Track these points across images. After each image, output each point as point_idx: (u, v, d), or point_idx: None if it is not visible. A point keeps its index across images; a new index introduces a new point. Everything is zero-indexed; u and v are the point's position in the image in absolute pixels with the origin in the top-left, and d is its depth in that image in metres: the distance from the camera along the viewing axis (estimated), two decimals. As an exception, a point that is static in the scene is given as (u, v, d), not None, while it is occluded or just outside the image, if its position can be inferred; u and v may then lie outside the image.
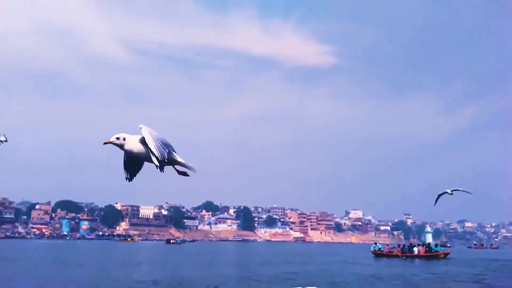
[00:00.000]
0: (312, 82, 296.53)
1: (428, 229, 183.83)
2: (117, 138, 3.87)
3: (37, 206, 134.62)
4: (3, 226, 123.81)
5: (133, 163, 4.23)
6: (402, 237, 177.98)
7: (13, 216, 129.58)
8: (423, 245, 42.91)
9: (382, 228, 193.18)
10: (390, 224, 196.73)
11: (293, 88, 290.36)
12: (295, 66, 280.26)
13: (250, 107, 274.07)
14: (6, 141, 6.32)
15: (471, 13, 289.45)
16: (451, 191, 23.42)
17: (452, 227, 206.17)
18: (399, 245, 42.35)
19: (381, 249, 40.98)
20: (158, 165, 3.62)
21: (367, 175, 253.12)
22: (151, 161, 3.77)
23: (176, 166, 4.17)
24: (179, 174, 4.21)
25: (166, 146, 3.83)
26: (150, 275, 19.96)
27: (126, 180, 4.27)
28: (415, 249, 39.17)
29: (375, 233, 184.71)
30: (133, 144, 3.87)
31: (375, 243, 44.55)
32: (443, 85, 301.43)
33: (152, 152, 3.64)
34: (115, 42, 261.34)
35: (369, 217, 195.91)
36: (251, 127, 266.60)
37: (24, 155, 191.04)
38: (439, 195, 24.51)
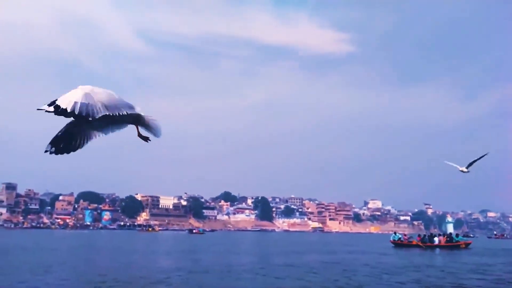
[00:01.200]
0: (327, 70, 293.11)
1: (449, 219, 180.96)
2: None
3: (60, 197, 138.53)
4: (29, 217, 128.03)
5: (72, 134, 4.07)
6: (422, 227, 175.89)
7: (38, 207, 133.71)
8: (444, 235, 42.34)
9: (401, 218, 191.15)
10: (410, 214, 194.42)
11: (308, 76, 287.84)
12: (311, 54, 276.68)
13: (265, 96, 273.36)
14: None
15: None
16: (467, 167, 21.52)
17: (474, 217, 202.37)
18: (419, 235, 41.90)
19: (401, 239, 40.66)
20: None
21: (385, 164, 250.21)
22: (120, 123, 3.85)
23: (140, 127, 4.12)
24: (139, 137, 4.16)
25: (112, 105, 3.55)
26: (197, 264, 20.50)
27: (48, 152, 4.04)
28: (436, 239, 38.66)
29: (395, 223, 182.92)
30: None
31: (395, 233, 44.17)
32: (461, 71, 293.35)
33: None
34: (131, 32, 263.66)
35: (388, 207, 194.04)
36: (267, 116, 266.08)
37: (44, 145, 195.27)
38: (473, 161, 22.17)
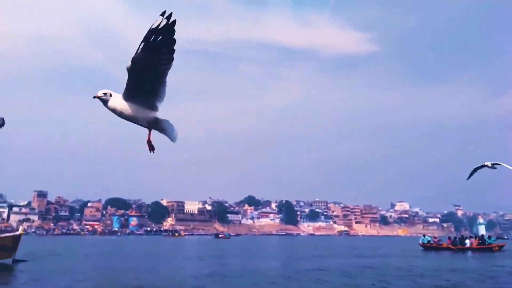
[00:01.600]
0: (349, 71, 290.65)
1: (481, 220, 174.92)
2: (104, 94, 3.79)
3: (89, 204, 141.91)
4: (59, 223, 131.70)
5: None
6: (452, 229, 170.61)
7: (68, 214, 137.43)
8: (475, 237, 40.83)
9: (430, 220, 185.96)
10: (439, 216, 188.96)
11: (329, 77, 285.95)
12: (332, 55, 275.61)
13: (287, 98, 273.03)
14: (2, 125, 5.85)
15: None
16: (492, 164, 19.09)
17: (507, 218, 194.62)
18: (449, 238, 40.58)
19: (430, 242, 39.48)
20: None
21: (411, 164, 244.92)
22: (132, 120, 3.79)
23: (155, 130, 4.03)
24: (148, 143, 4.05)
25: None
26: (229, 269, 20.57)
27: None
28: (467, 241, 37.41)
29: (423, 226, 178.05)
30: (118, 102, 3.79)
31: (424, 236, 42.93)
32: (488, 68, 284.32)
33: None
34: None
35: (416, 209, 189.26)
36: (289, 119, 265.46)
37: (77, 155, 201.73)
38: (476, 169, 20.06)
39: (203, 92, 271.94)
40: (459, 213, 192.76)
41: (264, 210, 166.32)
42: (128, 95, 3.75)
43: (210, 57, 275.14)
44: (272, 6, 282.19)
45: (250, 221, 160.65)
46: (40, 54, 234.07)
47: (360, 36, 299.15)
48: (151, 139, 4.06)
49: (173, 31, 3.45)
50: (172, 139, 4.04)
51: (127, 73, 3.54)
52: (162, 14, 3.34)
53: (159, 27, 3.35)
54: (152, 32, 3.34)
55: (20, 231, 21.20)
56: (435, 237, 43.02)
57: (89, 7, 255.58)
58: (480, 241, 37.83)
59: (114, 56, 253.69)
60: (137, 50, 3.39)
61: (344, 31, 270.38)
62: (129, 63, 3.48)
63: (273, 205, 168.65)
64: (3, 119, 5.61)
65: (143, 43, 3.37)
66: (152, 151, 4.11)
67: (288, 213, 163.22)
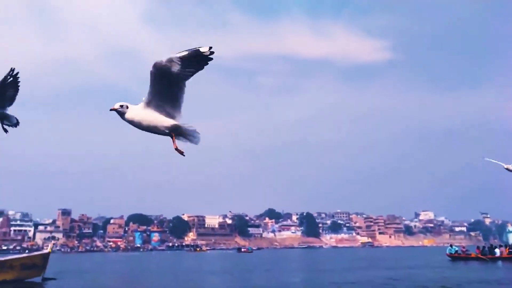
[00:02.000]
0: (367, 79, 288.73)
1: (510, 228, 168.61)
2: (121, 106, 3.87)
3: (111, 221, 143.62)
4: (83, 241, 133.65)
5: None
6: (480, 238, 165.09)
7: (91, 231, 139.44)
8: (505, 246, 39.43)
9: (457, 229, 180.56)
10: (465, 224, 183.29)
11: (348, 86, 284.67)
12: (350, 64, 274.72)
13: (306, 109, 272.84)
14: (17, 124, 5.74)
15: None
16: None
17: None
18: (477, 247, 39.31)
19: (458, 252, 38.35)
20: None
21: (435, 172, 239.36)
22: (152, 130, 3.87)
23: (178, 137, 4.07)
24: (176, 150, 4.08)
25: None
26: (258, 284, 20.70)
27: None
28: (497, 250, 36.14)
29: (450, 235, 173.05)
30: (135, 113, 3.87)
31: (451, 246, 41.72)
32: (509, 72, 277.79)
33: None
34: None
35: (442, 218, 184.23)
36: (308, 130, 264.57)
37: (99, 172, 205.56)
38: None
39: (222, 107, 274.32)
40: (487, 221, 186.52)
41: (285, 223, 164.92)
42: (150, 100, 3.85)
43: (228, 71, 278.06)
44: (287, 19, 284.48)
45: (271, 235, 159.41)
46: (67, 75, 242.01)
47: (376, 44, 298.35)
48: (176, 145, 4.08)
49: (208, 61, 3.80)
50: (195, 142, 4.08)
51: (150, 76, 3.73)
52: (210, 48, 3.74)
53: (203, 53, 3.71)
54: (195, 52, 3.69)
55: (48, 249, 21.64)
56: (463, 247, 41.75)
57: (110, 29, 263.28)
58: (510, 250, 36.51)
59: (134, 73, 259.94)
60: (171, 58, 3.66)
61: (360, 39, 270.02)
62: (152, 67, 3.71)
63: (294, 218, 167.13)
64: (16, 118, 5.66)
65: (181, 55, 3.67)
66: (183, 155, 4.14)
67: (310, 225, 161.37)
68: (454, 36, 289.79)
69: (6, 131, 5.70)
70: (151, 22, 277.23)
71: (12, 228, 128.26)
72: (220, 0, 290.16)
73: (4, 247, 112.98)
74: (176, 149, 4.09)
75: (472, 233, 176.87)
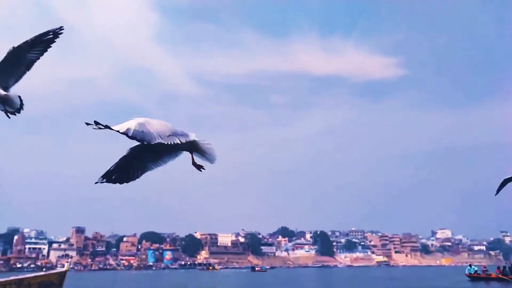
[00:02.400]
0: (380, 95, 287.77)
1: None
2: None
3: (124, 239, 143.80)
4: (96, 259, 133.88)
5: (130, 163, 4.18)
6: (500, 257, 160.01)
7: (104, 249, 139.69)
8: (528, 265, 38.15)
9: (476, 248, 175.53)
10: (485, 243, 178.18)
11: (361, 104, 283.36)
12: (361, 81, 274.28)
13: (318, 127, 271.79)
14: (21, 107, 5.31)
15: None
16: None
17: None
18: (498, 267, 38.15)
19: (478, 272, 37.25)
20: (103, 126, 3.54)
21: (451, 189, 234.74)
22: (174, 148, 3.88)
23: (194, 154, 4.05)
24: (194, 165, 4.09)
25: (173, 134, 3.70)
26: None
27: (99, 183, 4.25)
28: (518, 270, 34.96)
29: (468, 254, 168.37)
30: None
31: (470, 265, 40.57)
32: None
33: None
34: (184, 77, 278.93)
35: (460, 237, 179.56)
36: (321, 147, 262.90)
37: (113, 191, 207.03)
38: (507, 180, 13.79)
39: (235, 125, 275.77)
40: (507, 239, 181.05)
41: (298, 241, 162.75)
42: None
43: (240, 89, 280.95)
44: (299, 37, 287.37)
45: (284, 253, 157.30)
46: (83, 94, 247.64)
47: (388, 60, 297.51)
48: (195, 161, 4.11)
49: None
50: (211, 160, 4.08)
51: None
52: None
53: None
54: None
55: (65, 267, 21.74)
56: (484, 267, 40.53)
57: (123, 49, 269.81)
58: (533, 270, 35.32)
59: (148, 91, 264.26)
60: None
61: (372, 56, 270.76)
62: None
63: (308, 236, 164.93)
64: (20, 99, 5.36)
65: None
66: (201, 169, 4.17)
67: (324, 244, 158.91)
68: (467, 49, 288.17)
69: (8, 116, 5.39)
70: (165, 42, 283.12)
71: (27, 246, 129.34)
72: (232, 19, 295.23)
73: (19, 265, 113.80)
74: (194, 164, 4.11)
75: (492, 252, 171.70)
